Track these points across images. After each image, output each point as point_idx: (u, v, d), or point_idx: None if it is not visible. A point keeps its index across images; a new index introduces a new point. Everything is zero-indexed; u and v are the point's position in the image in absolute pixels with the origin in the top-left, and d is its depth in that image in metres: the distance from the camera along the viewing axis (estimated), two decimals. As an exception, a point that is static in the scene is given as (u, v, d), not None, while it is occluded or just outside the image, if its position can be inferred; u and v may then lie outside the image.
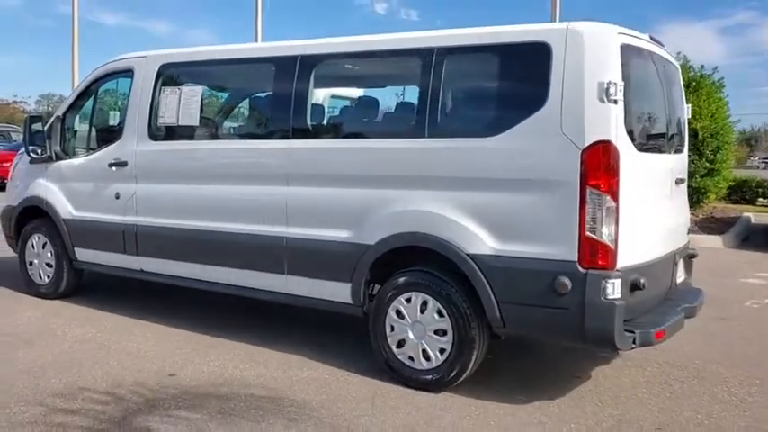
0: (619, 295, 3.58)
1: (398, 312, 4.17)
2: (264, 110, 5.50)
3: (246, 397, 3.93)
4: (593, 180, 3.56)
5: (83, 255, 5.86)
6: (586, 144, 3.57)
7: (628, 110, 3.70)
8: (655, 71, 4.30)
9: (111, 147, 5.55)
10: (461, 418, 3.73)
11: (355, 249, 4.29)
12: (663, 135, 4.46)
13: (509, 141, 3.82)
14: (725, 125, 12.35)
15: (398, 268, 4.22)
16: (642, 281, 3.69)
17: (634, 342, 3.66)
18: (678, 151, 4.64)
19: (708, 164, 11.84)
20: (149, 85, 5.35)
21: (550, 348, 4.91)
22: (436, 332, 4.04)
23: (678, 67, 4.89)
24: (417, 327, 4.11)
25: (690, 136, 11.20)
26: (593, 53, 3.63)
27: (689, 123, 11.44)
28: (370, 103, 5.19)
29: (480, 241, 3.86)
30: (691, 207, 11.55)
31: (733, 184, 14.40)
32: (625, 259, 3.64)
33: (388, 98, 5.26)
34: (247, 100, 6.16)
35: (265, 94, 5.48)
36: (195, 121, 5.15)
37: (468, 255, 3.89)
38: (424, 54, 4.16)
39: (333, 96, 5.79)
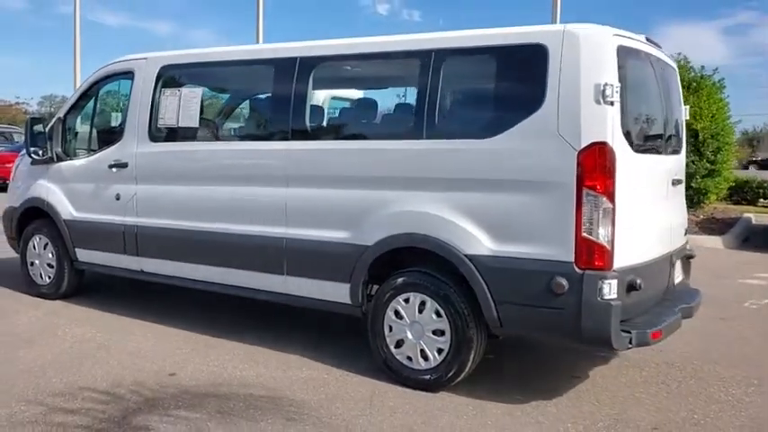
0: (615, 296, 3.60)
1: (397, 313, 4.19)
2: (264, 111, 5.53)
3: (245, 397, 3.96)
4: (590, 181, 3.58)
5: (84, 255, 5.89)
6: (583, 145, 3.59)
7: (624, 111, 3.72)
8: (652, 72, 4.32)
9: (112, 148, 5.58)
10: (459, 417, 3.75)
11: (354, 250, 4.31)
12: (660, 136, 4.47)
13: (506, 143, 3.84)
14: (725, 126, 12.34)
15: (397, 269, 4.24)
16: (639, 281, 3.71)
17: (630, 342, 3.67)
18: (676, 152, 4.66)
19: (708, 164, 11.84)
20: (149, 87, 5.38)
21: (548, 348, 4.93)
22: (434, 332, 4.07)
23: (676, 68, 4.91)
24: (415, 327, 4.13)
25: (690, 137, 11.30)
26: (589, 55, 3.65)
27: (689, 124, 11.43)
28: (369, 105, 5.21)
29: (478, 242, 3.88)
30: (691, 208, 11.63)
31: (734, 184, 14.40)
32: (621, 260, 3.66)
33: (386, 100, 5.29)
34: (247, 101, 6.20)
35: (265, 95, 5.51)
36: (195, 123, 5.17)
37: (465, 255, 3.91)
38: (422, 56, 4.18)
39: (332, 98, 5.82)
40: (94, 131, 6.07)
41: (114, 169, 5.50)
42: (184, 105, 5.15)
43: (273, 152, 4.73)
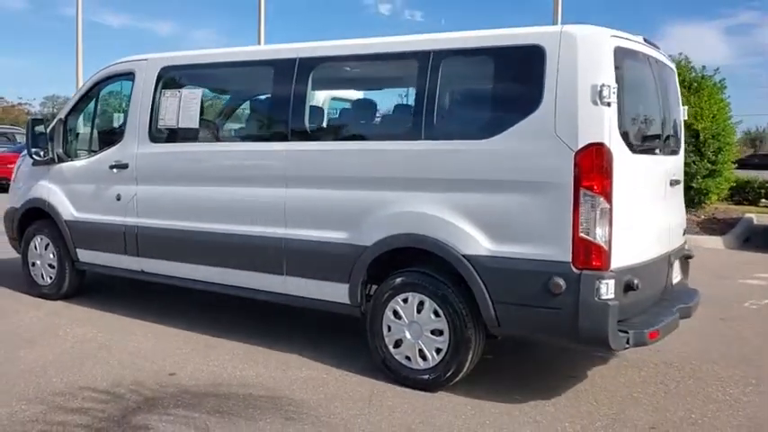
0: (612, 296, 3.61)
1: (395, 313, 4.21)
2: (263, 112, 5.55)
3: (245, 396, 3.98)
4: (587, 182, 3.60)
5: (85, 256, 5.91)
6: (580, 146, 3.61)
7: (621, 112, 3.74)
8: (649, 73, 4.33)
9: (113, 149, 5.61)
10: (457, 417, 3.76)
11: (353, 250, 4.33)
12: (658, 137, 4.48)
13: (504, 143, 3.86)
14: (726, 126, 12.33)
15: (395, 269, 4.26)
16: (636, 281, 3.73)
17: (628, 342, 3.69)
18: (674, 152, 4.67)
19: (709, 165, 11.83)
20: (150, 88, 5.40)
21: (547, 348, 4.93)
22: (433, 332, 4.08)
23: (674, 68, 4.92)
24: (414, 327, 4.14)
25: (691, 137, 11.30)
26: (586, 56, 3.66)
27: (690, 125, 11.38)
28: (368, 106, 5.23)
29: (476, 242, 3.90)
30: (692, 208, 11.65)
31: (735, 184, 14.39)
32: (619, 260, 3.68)
33: (385, 100, 5.31)
34: (247, 102, 6.22)
35: (264, 96, 5.53)
36: (195, 124, 5.19)
37: (463, 256, 3.92)
38: (421, 57, 4.20)
39: (331, 99, 5.83)
40: (95, 132, 6.09)
41: (115, 170, 5.52)
42: (184, 106, 5.17)
43: (273, 153, 4.75)
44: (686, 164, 10.38)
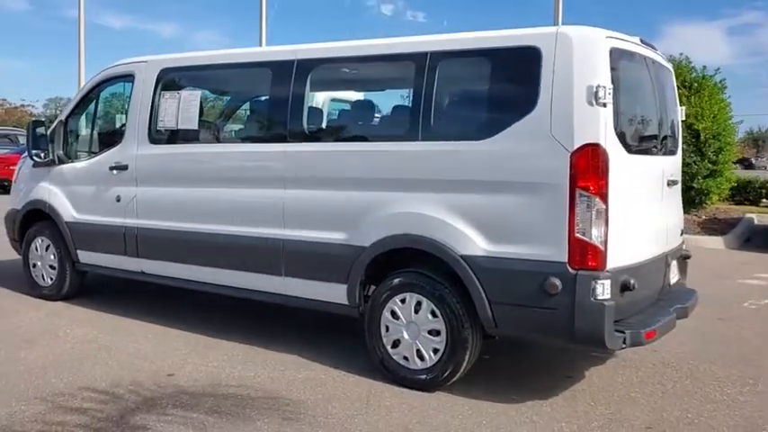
0: (608, 296, 3.62)
1: (393, 313, 4.22)
2: (262, 114, 5.57)
3: (243, 396, 4.00)
4: (583, 182, 3.61)
5: (85, 257, 5.94)
6: (575, 147, 3.62)
7: (617, 112, 3.75)
8: (646, 74, 4.34)
9: (113, 150, 5.63)
10: (454, 417, 3.78)
11: (351, 251, 4.35)
12: (654, 137, 4.49)
13: (500, 144, 3.87)
14: (727, 126, 12.33)
15: (393, 269, 4.27)
16: (632, 282, 3.74)
17: (624, 342, 3.70)
18: (671, 153, 4.67)
19: (710, 165, 11.83)
20: (150, 90, 5.42)
21: (545, 348, 4.94)
22: (430, 332, 4.10)
23: (671, 69, 4.92)
24: (412, 327, 4.16)
25: (692, 137, 11.29)
26: (582, 57, 3.67)
27: (691, 125, 11.36)
28: (366, 107, 5.25)
29: (472, 243, 3.91)
30: (693, 208, 11.65)
31: (736, 185, 14.37)
32: (615, 260, 3.69)
33: (383, 102, 5.32)
34: (245, 104, 6.24)
35: (263, 98, 5.55)
36: (194, 125, 5.21)
37: (460, 256, 3.94)
38: (418, 58, 4.22)
39: (329, 100, 5.85)
40: (95, 134, 6.12)
41: (115, 171, 5.55)
42: (184, 108, 5.20)
43: (271, 154, 4.76)
44: (687, 164, 10.37)
